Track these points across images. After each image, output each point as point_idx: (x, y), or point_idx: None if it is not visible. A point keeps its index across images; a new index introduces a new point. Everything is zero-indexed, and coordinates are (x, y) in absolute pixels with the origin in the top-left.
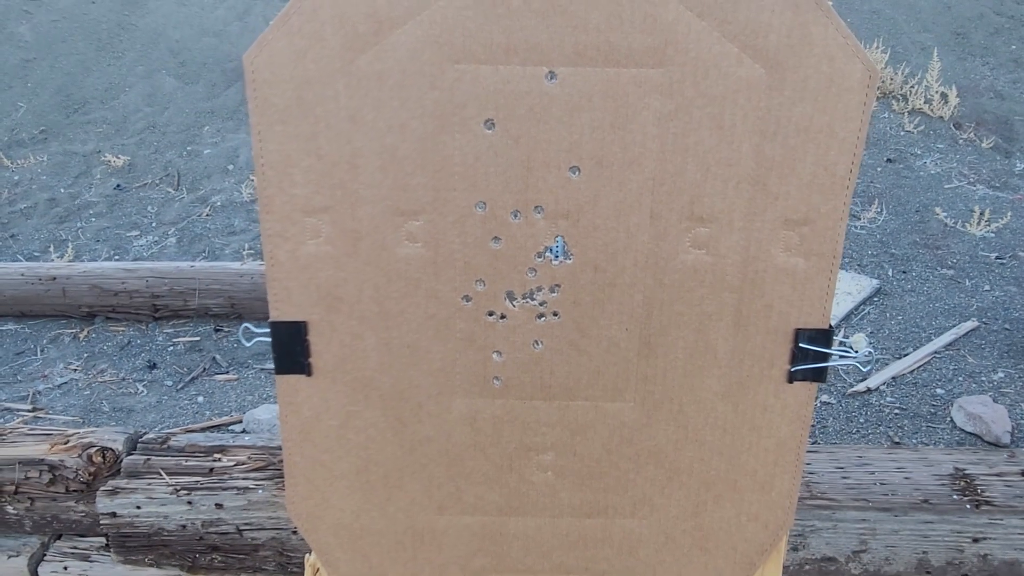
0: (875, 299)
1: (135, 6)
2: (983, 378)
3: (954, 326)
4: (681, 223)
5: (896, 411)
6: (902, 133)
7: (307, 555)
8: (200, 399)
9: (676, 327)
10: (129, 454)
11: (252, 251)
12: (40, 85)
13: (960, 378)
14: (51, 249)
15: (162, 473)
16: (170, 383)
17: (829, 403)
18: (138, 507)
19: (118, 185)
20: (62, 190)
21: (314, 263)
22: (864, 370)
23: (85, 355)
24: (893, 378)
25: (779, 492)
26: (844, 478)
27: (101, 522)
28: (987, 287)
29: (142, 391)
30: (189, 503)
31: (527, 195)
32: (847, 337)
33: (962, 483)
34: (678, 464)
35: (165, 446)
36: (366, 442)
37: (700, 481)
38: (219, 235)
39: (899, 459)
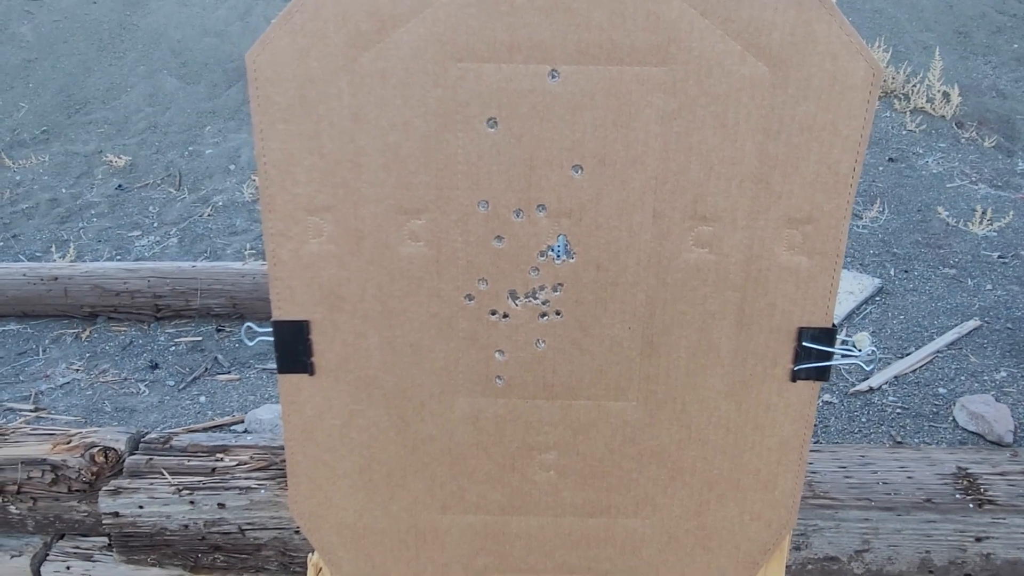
0: (877, 298)
1: (136, 6)
2: (985, 377)
3: (956, 325)
4: (684, 222)
5: (898, 410)
6: (904, 132)
7: (310, 555)
8: (202, 399)
9: (679, 326)
10: (131, 454)
11: (254, 251)
12: (42, 85)
13: (962, 377)
14: (53, 249)
15: (164, 473)
16: (172, 383)
17: (831, 402)
18: (140, 507)
19: (120, 185)
20: (64, 190)
21: (317, 262)
22: (867, 369)
23: (87, 355)
24: (895, 377)
25: (782, 491)
26: (847, 477)
27: (103, 522)
28: (989, 286)
29: (144, 391)
30: (191, 503)
31: (530, 194)
32: (850, 336)
33: (965, 482)
34: (681, 463)
35: (167, 446)
36: (369, 441)
37: (703, 480)
38: (221, 235)
39: (902, 458)
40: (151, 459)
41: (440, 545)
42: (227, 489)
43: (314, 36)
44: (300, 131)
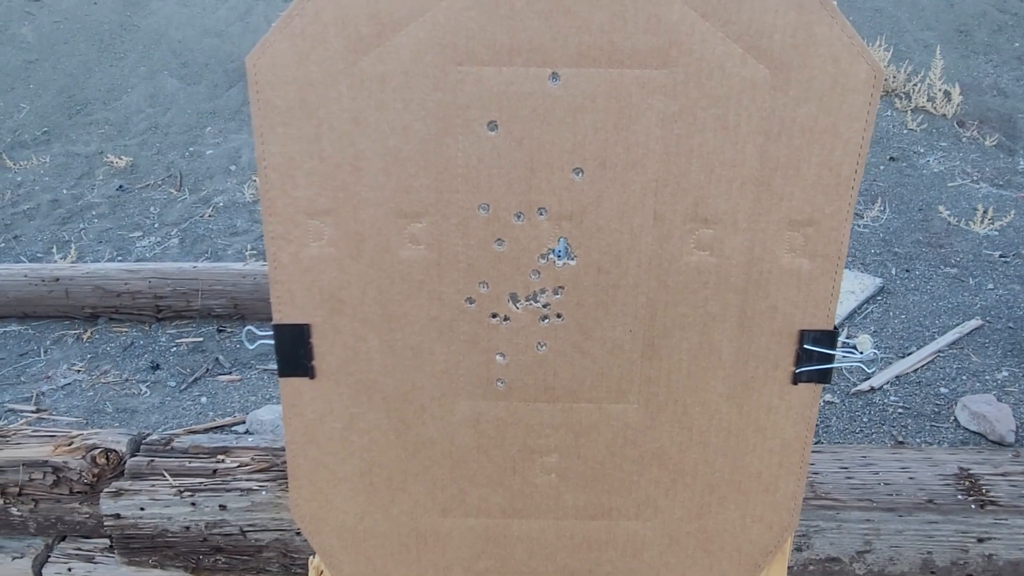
0: (878, 298)
1: (137, 7)
2: (987, 377)
3: (958, 325)
4: (685, 224)
5: (900, 410)
6: (905, 131)
7: (311, 557)
8: (203, 400)
9: (680, 329)
10: (133, 455)
11: (255, 252)
12: (42, 86)
13: (964, 377)
14: (54, 250)
15: (166, 475)
16: (173, 384)
17: (832, 402)
18: (142, 508)
19: (120, 186)
20: (65, 191)
21: (317, 265)
22: (868, 370)
23: (88, 356)
24: (897, 377)
25: (783, 494)
26: (848, 478)
27: (105, 523)
28: (991, 286)
29: (145, 392)
30: (193, 504)
31: (530, 197)
32: (851, 337)
33: (967, 483)
34: (682, 466)
35: (168, 447)
36: (369, 444)
37: (704, 483)
38: (222, 236)
39: (903, 459)
40: (152, 461)
41: (441, 548)
42: (228, 491)
43: (314, 40)
44: (300, 135)
